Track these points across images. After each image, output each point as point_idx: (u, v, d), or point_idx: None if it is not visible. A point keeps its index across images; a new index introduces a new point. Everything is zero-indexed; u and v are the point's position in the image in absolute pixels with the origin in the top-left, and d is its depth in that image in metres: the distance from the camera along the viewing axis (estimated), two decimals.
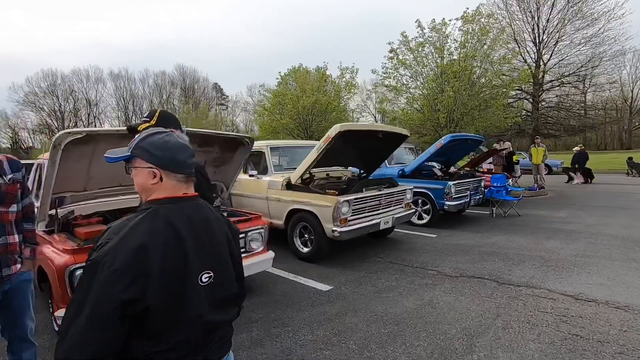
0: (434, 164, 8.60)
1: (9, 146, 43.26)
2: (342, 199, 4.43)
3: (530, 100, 26.38)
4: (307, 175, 5.19)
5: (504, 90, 12.40)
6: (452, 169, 9.90)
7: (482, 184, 7.77)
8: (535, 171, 12.27)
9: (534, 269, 4.37)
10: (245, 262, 3.83)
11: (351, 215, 4.63)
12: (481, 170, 13.33)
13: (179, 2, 71.79)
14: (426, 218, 6.94)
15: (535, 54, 25.55)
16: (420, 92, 12.96)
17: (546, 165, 19.55)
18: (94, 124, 50.52)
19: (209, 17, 73.35)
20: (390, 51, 12.90)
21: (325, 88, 16.96)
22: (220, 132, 3.77)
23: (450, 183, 6.54)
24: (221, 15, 74.31)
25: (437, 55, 12.12)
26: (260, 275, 4.14)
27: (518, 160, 12.73)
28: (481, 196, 7.52)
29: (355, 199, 4.60)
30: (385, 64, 12.96)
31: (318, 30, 71.16)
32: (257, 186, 5.60)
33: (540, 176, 12.14)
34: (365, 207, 4.85)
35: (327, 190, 4.91)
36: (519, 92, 25.91)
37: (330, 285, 4.01)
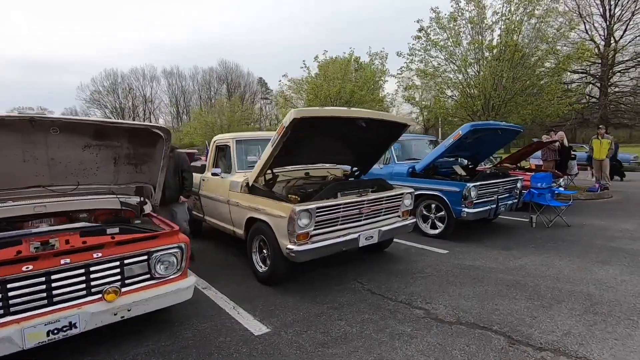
0: (463, 160, 7.12)
1: None
2: (298, 207, 3.34)
3: (598, 84, 22.87)
4: (270, 175, 4.16)
5: (558, 69, 10.26)
6: (484, 166, 8.32)
7: (519, 185, 6.20)
8: (597, 168, 10.09)
9: (572, 318, 2.98)
10: (146, 294, 2.95)
11: (315, 229, 3.53)
12: (528, 167, 11.44)
13: (225, 2, 72.96)
14: (440, 227, 5.60)
15: (605, 30, 22.02)
16: (455, 77, 11.23)
17: (615, 160, 16.66)
18: (149, 119, 54.08)
19: (254, 14, 73.85)
20: (419, 30, 11.30)
21: (351, 76, 15.65)
22: (121, 121, 2.89)
23: (470, 185, 5.14)
24: (265, 12, 74.35)
25: (473, 32, 10.34)
26: (188, 304, 3.21)
27: (575, 155, 10.62)
28: (515, 201, 5.97)
29: (318, 207, 3.49)
30: (413, 45, 11.39)
31: (364, 21, 68.56)
32: (221, 187, 4.68)
33: (604, 174, 9.94)
34: (338, 217, 3.71)
35: (289, 196, 3.85)
36: (582, 75, 22.59)
37: (269, 327, 2.97)
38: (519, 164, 9.05)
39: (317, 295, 3.57)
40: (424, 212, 5.81)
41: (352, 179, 4.93)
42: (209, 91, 55.40)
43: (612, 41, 21.47)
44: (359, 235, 3.79)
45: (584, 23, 21.48)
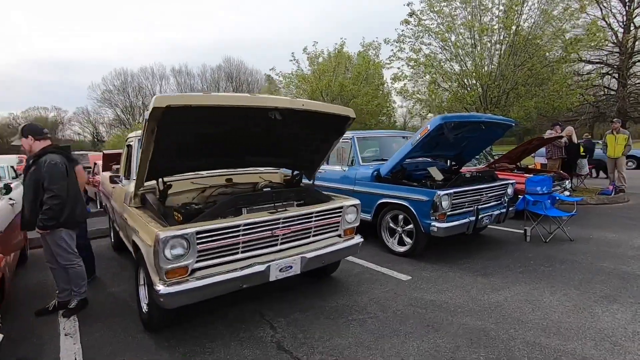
0: (451, 161, 6.02)
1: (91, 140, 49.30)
2: (164, 233, 2.38)
3: (616, 75, 21.17)
4: (162, 185, 3.20)
5: (566, 54, 8.98)
6: (478, 166, 7.25)
7: (510, 191, 5.10)
8: (611, 167, 8.84)
9: None
10: None
11: (198, 261, 2.57)
12: (532, 166, 10.27)
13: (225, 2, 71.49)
14: (409, 244, 4.56)
15: (624, 15, 20.30)
16: (450, 67, 10.07)
17: (632, 157, 15.19)
18: None
19: (256, 13, 72.40)
20: (410, 14, 10.17)
21: (342, 68, 14.59)
22: None
23: (441, 192, 4.08)
24: (279, 13, 72.61)
25: (467, 13, 9.16)
26: None
27: (586, 154, 9.38)
28: (504, 210, 4.87)
29: (200, 232, 2.52)
30: (402, 31, 10.26)
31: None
32: (120, 196, 3.77)
33: (620, 175, 8.68)
34: (236, 243, 2.73)
35: (176, 213, 2.89)
36: (599, 65, 20.95)
37: None
38: (519, 164, 7.91)
39: (204, 352, 2.60)
40: (391, 225, 4.79)
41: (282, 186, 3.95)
42: (217, 90, 55.20)
43: (631, 28, 19.78)
44: (269, 267, 2.80)
45: (601, 9, 19.84)
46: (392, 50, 10.28)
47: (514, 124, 5.06)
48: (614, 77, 21.34)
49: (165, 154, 2.87)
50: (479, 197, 4.57)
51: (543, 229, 5.30)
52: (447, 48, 9.56)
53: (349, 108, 3.51)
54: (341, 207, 3.36)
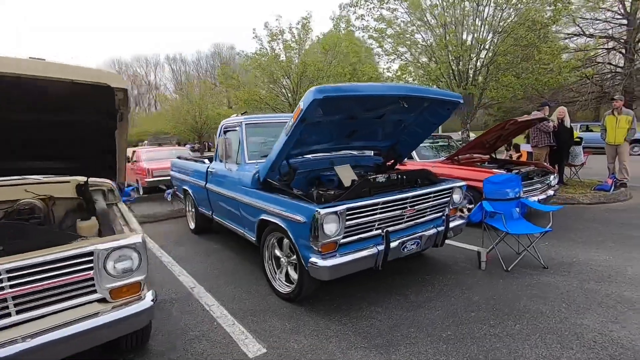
0: (386, 155, 4.39)
1: None
2: None
3: (622, 50, 19.13)
4: None
5: (555, 12, 7.19)
6: (441, 159, 5.73)
7: (457, 198, 3.53)
8: (611, 156, 7.18)
9: None
10: None
11: None
12: (517, 156, 8.67)
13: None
14: (295, 282, 3.05)
15: None
16: (421, 38, 8.34)
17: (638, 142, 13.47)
18: (154, 107, 54.34)
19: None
20: None
21: (306, 45, 12.88)
22: None
23: (322, 210, 2.52)
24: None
25: None
26: None
27: (580, 139, 7.75)
28: (442, 229, 3.30)
29: None
30: None
31: None
32: None
33: (621, 165, 7.04)
34: None
35: None
36: (603, 38, 18.90)
37: None
38: (493, 154, 6.33)
39: None
40: (277, 252, 3.27)
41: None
42: (213, 77, 54.97)
43: None
44: None
45: None
46: (344, 16, 8.56)
47: (460, 101, 3.45)
48: (620, 52, 19.31)
49: None
50: (399, 212, 3.01)
51: (509, 248, 3.78)
52: (412, 12, 7.81)
53: (113, 72, 1.96)
54: (90, 254, 1.84)
